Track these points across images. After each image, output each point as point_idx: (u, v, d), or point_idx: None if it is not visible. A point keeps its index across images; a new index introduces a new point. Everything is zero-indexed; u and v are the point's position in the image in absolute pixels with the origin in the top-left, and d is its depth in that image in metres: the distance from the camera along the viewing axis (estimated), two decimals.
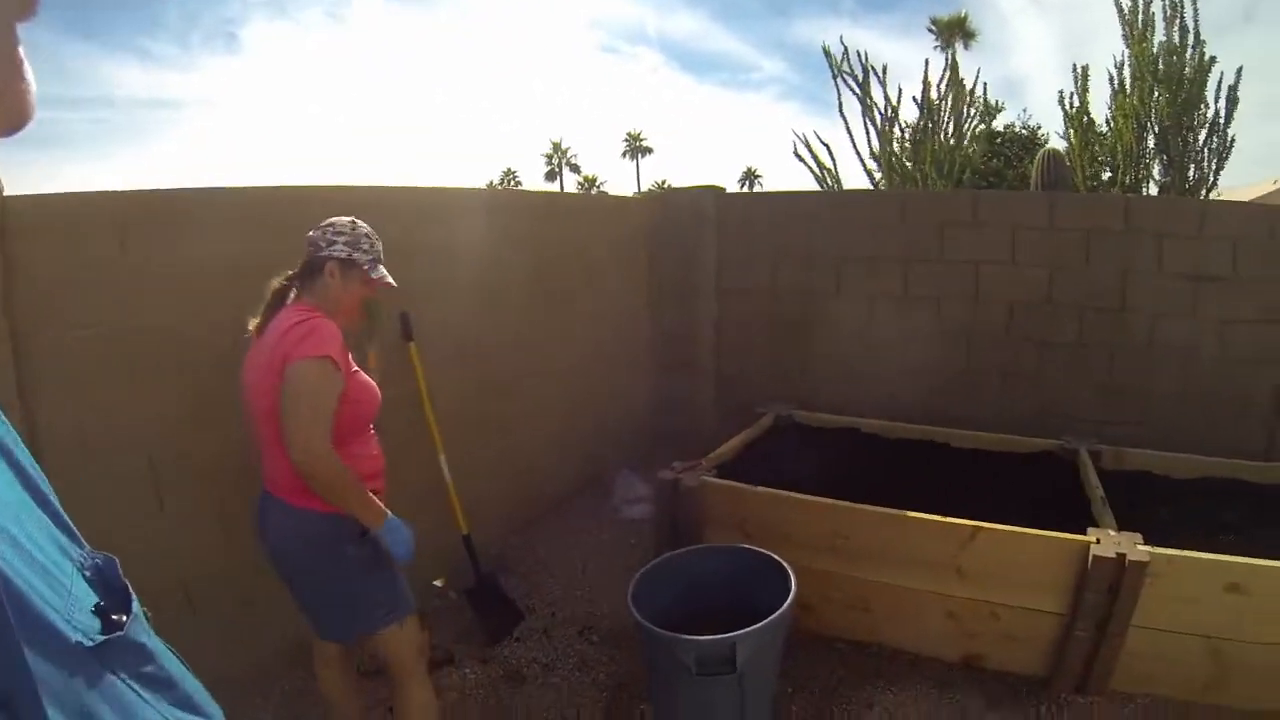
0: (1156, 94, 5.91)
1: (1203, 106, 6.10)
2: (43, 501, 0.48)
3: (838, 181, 6.85)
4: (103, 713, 0.41)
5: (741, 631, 1.91)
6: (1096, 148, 6.49)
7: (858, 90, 6.72)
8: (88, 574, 0.48)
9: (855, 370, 4.41)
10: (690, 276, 4.75)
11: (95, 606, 0.45)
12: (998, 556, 2.50)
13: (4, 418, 0.49)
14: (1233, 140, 6.23)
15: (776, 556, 2.30)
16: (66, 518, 0.51)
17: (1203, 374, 3.64)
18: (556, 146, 62.22)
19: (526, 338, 3.70)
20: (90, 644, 0.42)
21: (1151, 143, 6.19)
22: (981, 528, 2.52)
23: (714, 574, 2.41)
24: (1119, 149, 6.21)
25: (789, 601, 2.07)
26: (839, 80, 6.78)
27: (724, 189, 4.78)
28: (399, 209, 2.84)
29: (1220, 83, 6.02)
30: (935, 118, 6.60)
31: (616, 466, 4.28)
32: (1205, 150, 6.26)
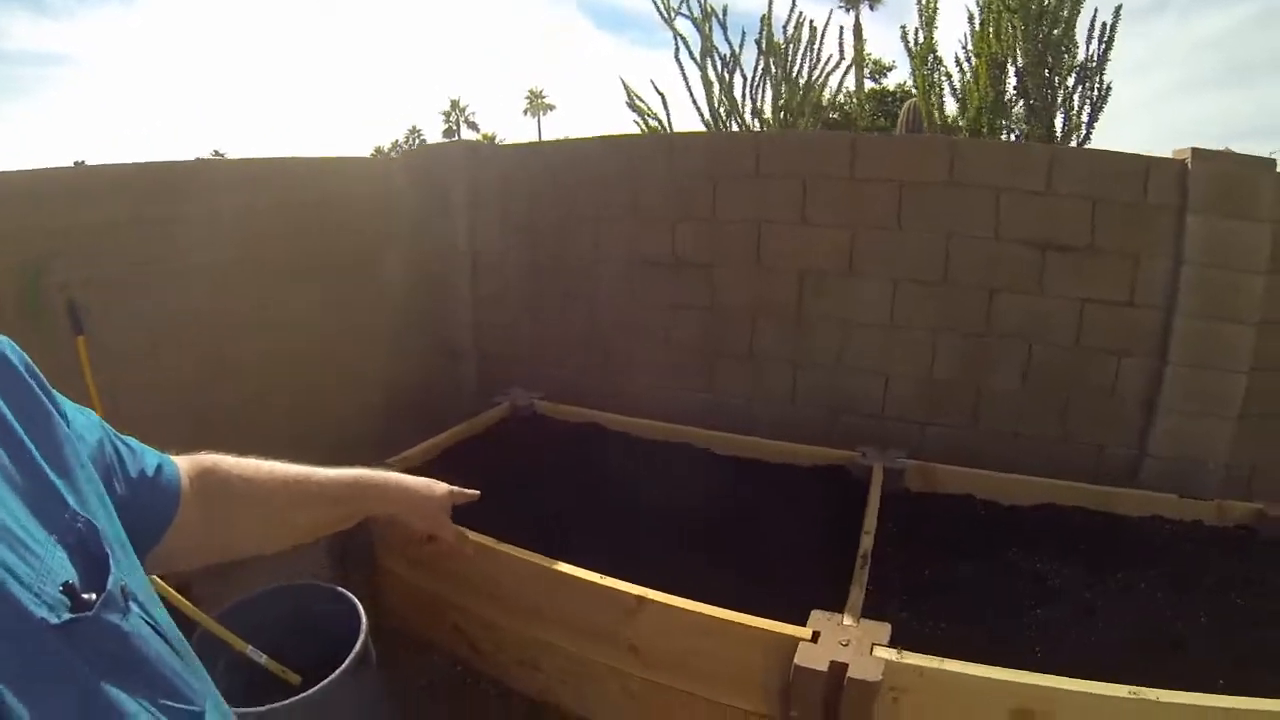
0: (1012, 28, 5.22)
1: (1073, 47, 5.45)
2: (22, 461, 0.48)
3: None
4: (55, 694, 0.40)
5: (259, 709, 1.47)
6: (947, 92, 5.75)
7: (696, 32, 5.87)
8: (70, 540, 0.48)
9: (613, 352, 3.56)
10: (445, 243, 3.82)
11: (64, 585, 0.44)
12: (670, 637, 1.74)
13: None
14: (1109, 87, 5.59)
15: (350, 596, 1.84)
16: (56, 476, 0.51)
17: (1052, 365, 2.86)
18: (455, 104, 60.25)
19: (270, 317, 3.12)
20: (56, 621, 0.41)
21: (1011, 87, 5.52)
22: (647, 598, 1.75)
23: (299, 617, 1.89)
24: (974, 93, 5.49)
25: (347, 663, 1.61)
26: (672, 22, 5.91)
27: (485, 140, 3.83)
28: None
29: (1095, 21, 5.36)
30: (782, 62, 5.76)
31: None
32: (1075, 97, 5.61)
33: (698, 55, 5.95)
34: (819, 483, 2.60)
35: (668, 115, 6.24)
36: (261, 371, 3.11)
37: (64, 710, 0.40)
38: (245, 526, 0.83)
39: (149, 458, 0.70)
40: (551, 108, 65.73)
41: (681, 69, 6.00)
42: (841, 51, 5.85)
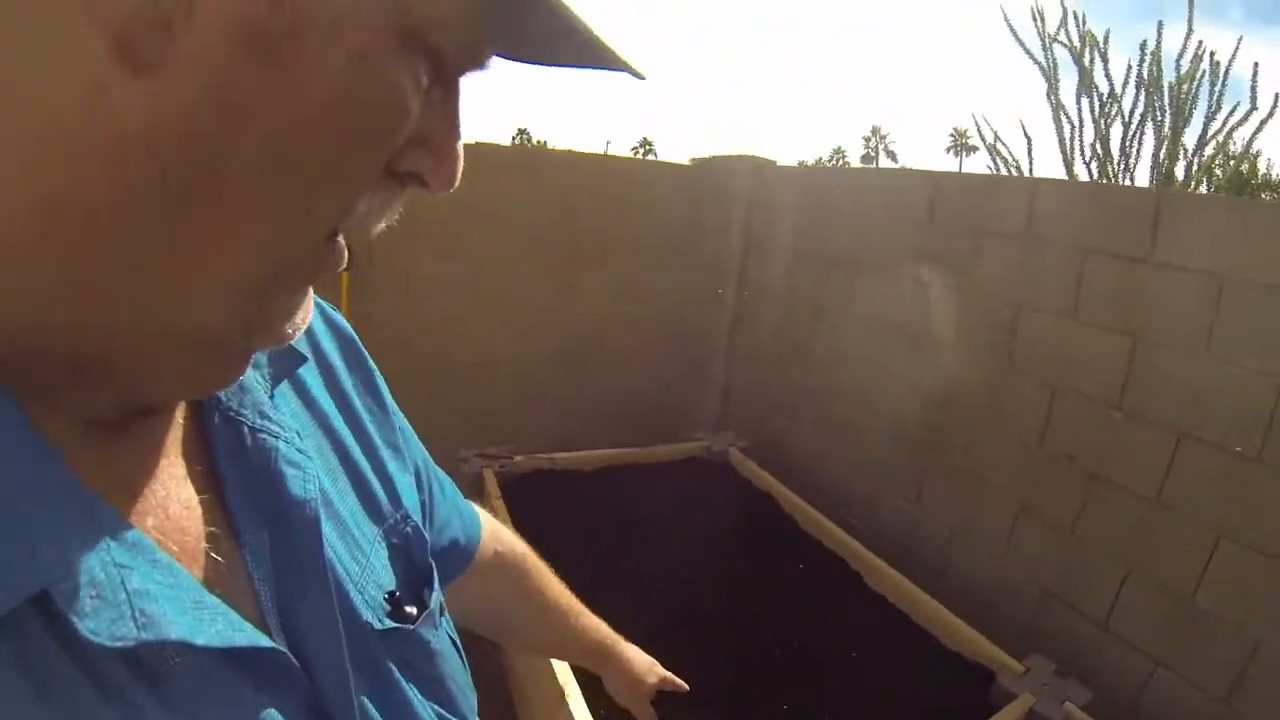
0: None
1: None
2: (365, 446, 0.51)
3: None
4: (368, 685, 0.41)
5: None
6: None
7: (1074, 64, 4.77)
8: (394, 541, 0.49)
9: (843, 425, 3.02)
10: (717, 261, 3.65)
11: (389, 594, 0.46)
12: None
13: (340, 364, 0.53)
14: None
15: None
16: (394, 472, 0.52)
17: None
18: (875, 131, 59.05)
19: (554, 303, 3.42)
20: (379, 627, 0.43)
21: None
22: None
23: None
24: None
25: None
26: (1049, 50, 4.86)
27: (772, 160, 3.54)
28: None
29: None
30: (1176, 106, 4.39)
31: None
32: None
33: (1064, 92, 4.87)
34: None
35: (1030, 163, 5.26)
36: (552, 332, 3.44)
37: (375, 699, 0.42)
38: (507, 621, 0.88)
39: (461, 508, 0.71)
40: (974, 149, 60.64)
41: (1056, 108, 4.99)
42: (1254, 97, 4.26)
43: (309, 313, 0.37)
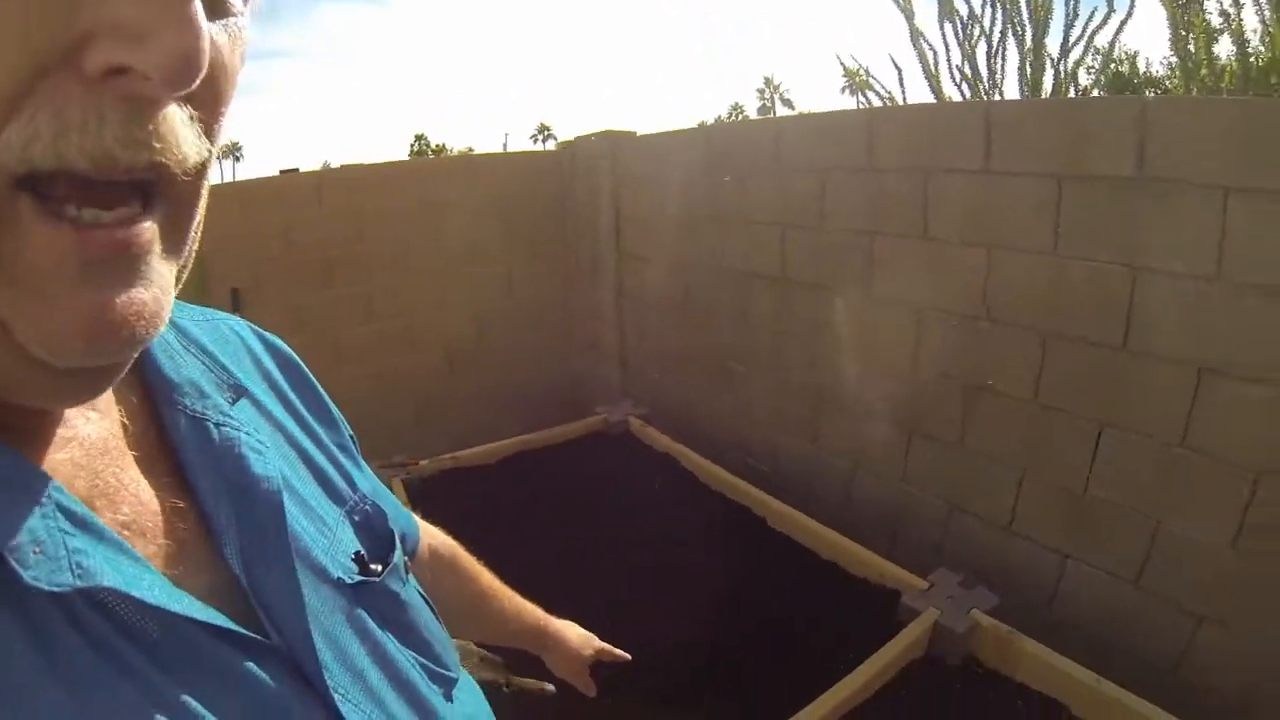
0: None
1: None
2: (319, 445, 0.56)
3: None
4: (348, 639, 0.45)
5: None
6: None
7: None
8: (356, 519, 0.54)
9: (728, 379, 3.01)
10: (596, 238, 3.64)
11: (354, 554, 0.50)
12: None
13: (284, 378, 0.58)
14: None
15: None
16: (345, 462, 0.58)
17: None
18: (769, 81, 59.51)
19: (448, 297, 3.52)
20: (350, 581, 0.47)
21: None
22: None
23: None
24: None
25: None
26: None
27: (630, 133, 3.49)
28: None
29: None
30: (1025, 18, 4.50)
31: None
32: None
33: (927, 21, 4.95)
34: None
35: (903, 95, 5.34)
36: (435, 341, 3.51)
37: (357, 649, 0.45)
38: (448, 612, 0.82)
39: (399, 508, 0.73)
40: (868, 86, 60.85)
41: (915, 36, 5.06)
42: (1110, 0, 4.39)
43: (102, 313, 0.29)
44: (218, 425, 0.45)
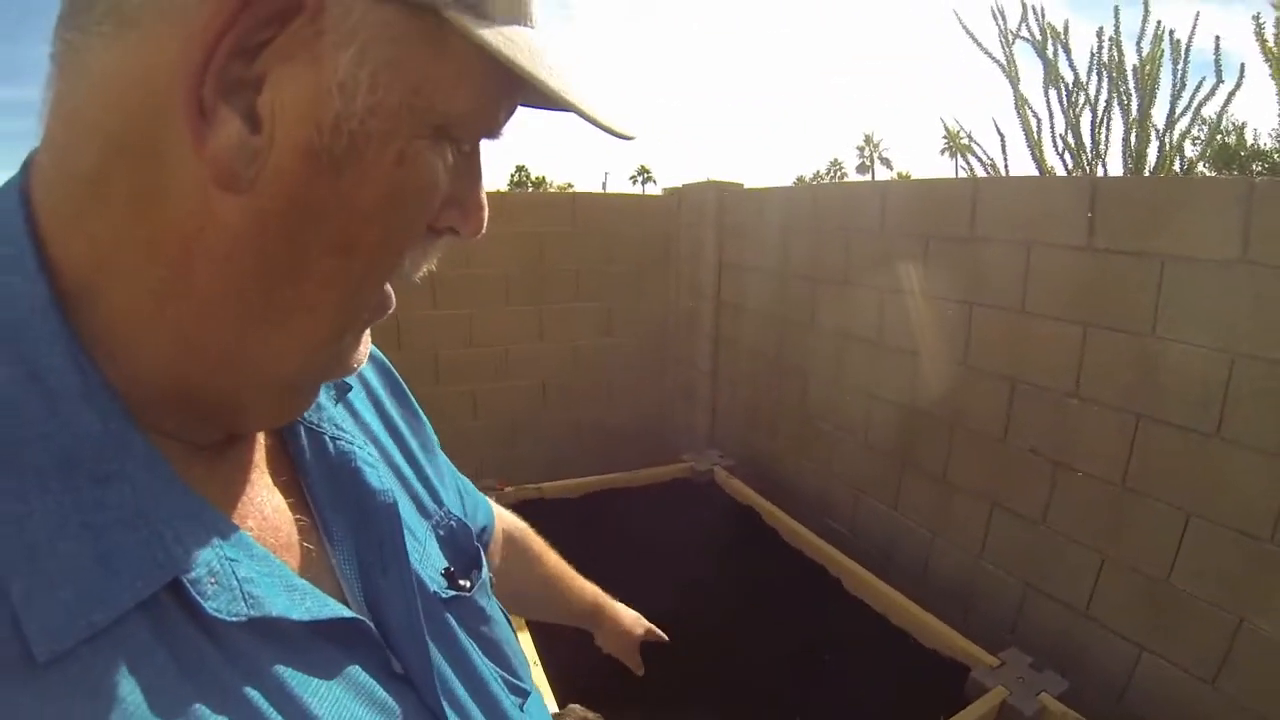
0: None
1: None
2: (408, 456, 0.60)
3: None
4: (437, 650, 0.47)
5: None
6: None
7: (1039, 58, 4.80)
8: (441, 534, 0.58)
9: (818, 438, 3.05)
10: (696, 284, 3.73)
11: (444, 570, 0.54)
12: None
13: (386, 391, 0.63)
14: None
15: None
16: (431, 475, 0.62)
17: None
18: (869, 139, 58.89)
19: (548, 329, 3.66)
20: (445, 596, 0.52)
21: None
22: None
23: None
24: None
25: None
26: (1011, 47, 4.90)
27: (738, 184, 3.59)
28: None
29: None
30: (1130, 86, 4.39)
31: None
32: None
33: (1031, 86, 4.89)
34: None
35: (1005, 161, 5.28)
36: (530, 371, 3.62)
37: (445, 660, 0.49)
38: (520, 592, 0.96)
39: (478, 497, 0.81)
40: (969, 149, 59.22)
41: (1020, 104, 5.03)
42: (1219, 70, 4.26)
43: (368, 347, 0.46)
44: (334, 439, 0.49)
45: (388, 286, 0.42)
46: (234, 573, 0.36)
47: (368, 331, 0.45)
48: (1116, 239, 1.89)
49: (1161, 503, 1.84)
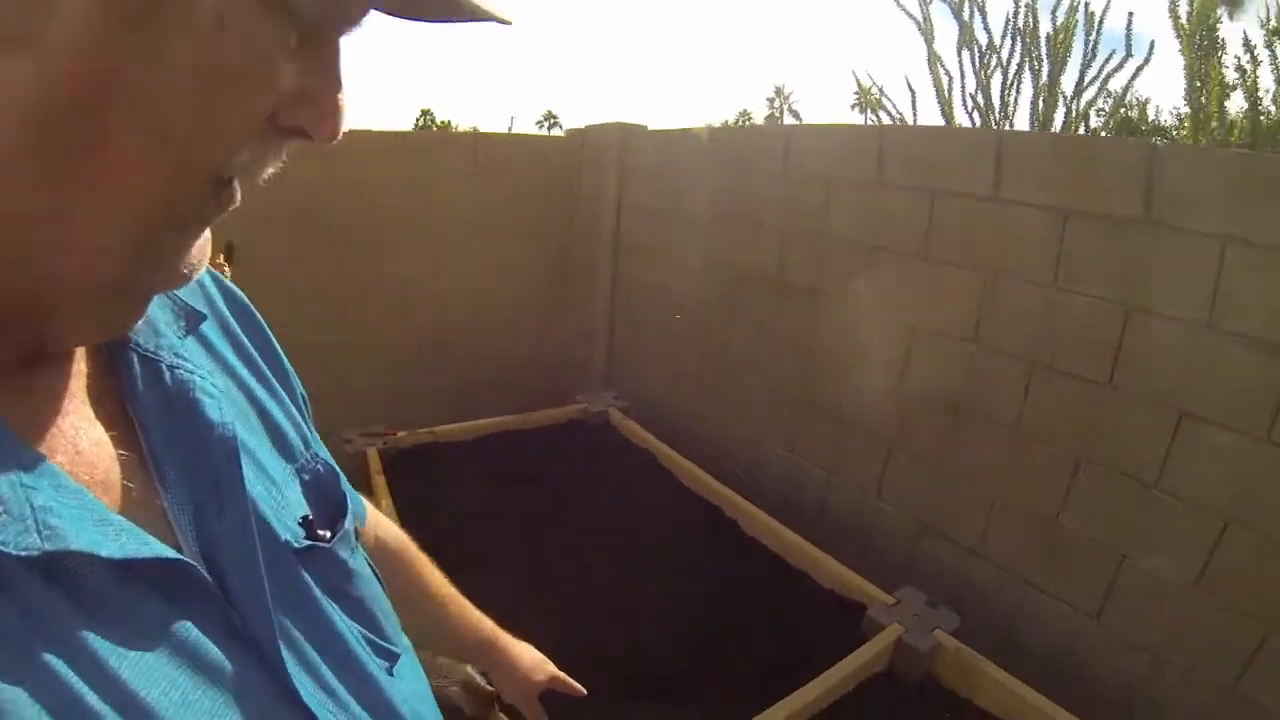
0: None
1: None
2: (273, 395, 0.54)
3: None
4: (285, 605, 0.43)
5: None
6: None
7: (954, 20, 4.88)
8: (306, 478, 0.53)
9: (717, 378, 3.04)
10: (596, 226, 3.64)
11: (302, 519, 0.48)
12: None
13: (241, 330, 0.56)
14: None
15: None
16: (301, 421, 0.56)
17: None
18: (779, 91, 59.45)
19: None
20: (297, 545, 0.46)
21: None
22: None
23: None
24: None
25: None
26: (925, 5, 4.97)
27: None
28: None
29: None
30: (1042, 53, 4.55)
31: None
32: None
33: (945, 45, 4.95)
34: None
35: (915, 117, 5.36)
36: (426, 314, 3.45)
37: (295, 618, 0.44)
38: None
39: (348, 488, 0.68)
40: (880, 105, 60.99)
41: (932, 61, 5.09)
42: (1129, 44, 4.42)
43: (205, 256, 0.39)
44: (171, 368, 0.43)
45: (234, 183, 0.37)
46: (29, 500, 0.30)
47: (206, 241, 0.39)
48: (1022, 191, 1.91)
49: (1053, 447, 1.89)
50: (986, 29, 4.84)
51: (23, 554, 0.29)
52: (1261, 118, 4.06)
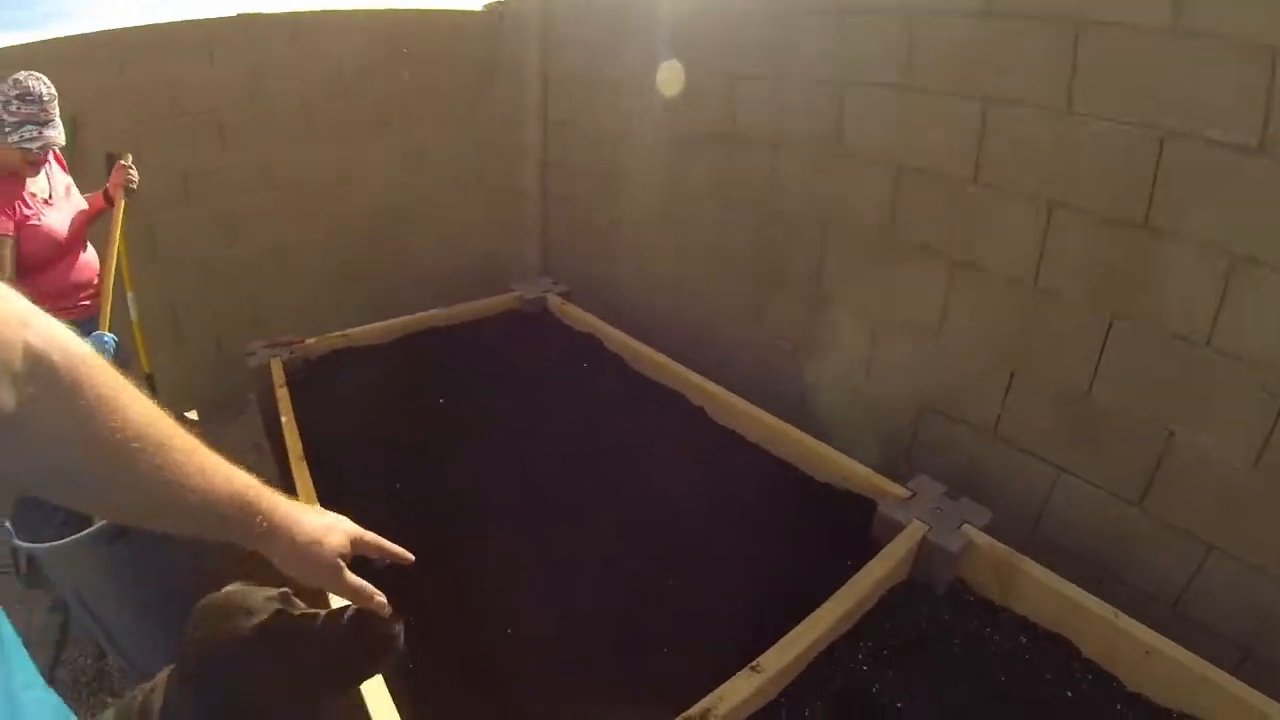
0: None
1: None
2: None
3: None
4: None
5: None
6: None
7: None
8: None
9: (651, 247, 2.66)
10: (522, 103, 3.22)
11: None
12: None
13: None
14: None
15: None
16: None
17: None
18: None
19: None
20: None
21: None
22: None
23: None
24: None
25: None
26: None
27: None
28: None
29: None
30: None
31: None
32: None
33: None
34: None
35: None
36: (340, 214, 3.10)
37: None
38: (54, 468, 0.52)
39: None
40: None
41: None
42: None
43: None
44: None
45: None
46: None
47: None
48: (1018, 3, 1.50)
49: (1080, 304, 1.54)
50: None
51: None
52: None
